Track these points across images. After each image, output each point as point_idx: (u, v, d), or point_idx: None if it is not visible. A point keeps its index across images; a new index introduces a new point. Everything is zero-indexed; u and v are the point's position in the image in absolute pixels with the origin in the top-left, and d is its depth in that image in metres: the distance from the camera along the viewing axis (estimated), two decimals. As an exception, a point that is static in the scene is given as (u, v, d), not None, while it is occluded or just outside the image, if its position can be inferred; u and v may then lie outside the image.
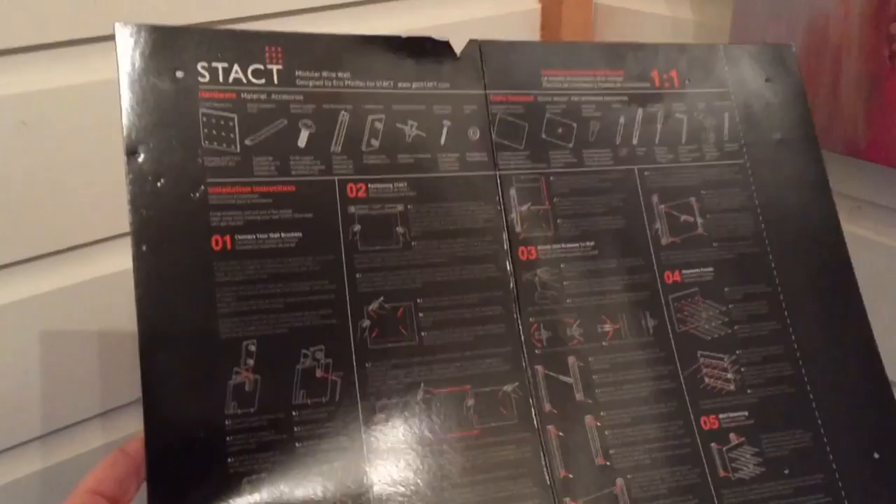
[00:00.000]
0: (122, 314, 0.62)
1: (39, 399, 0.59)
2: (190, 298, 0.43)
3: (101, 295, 0.61)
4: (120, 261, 0.61)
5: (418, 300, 0.47)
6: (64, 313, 0.60)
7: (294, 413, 0.43)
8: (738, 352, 0.52)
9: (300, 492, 0.42)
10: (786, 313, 0.54)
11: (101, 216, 0.60)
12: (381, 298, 0.47)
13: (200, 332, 0.42)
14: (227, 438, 0.42)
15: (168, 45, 0.45)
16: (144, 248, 0.42)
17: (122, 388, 0.64)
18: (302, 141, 0.47)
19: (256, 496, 0.41)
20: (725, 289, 0.54)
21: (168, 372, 0.41)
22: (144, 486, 0.40)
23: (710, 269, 0.54)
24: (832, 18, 0.64)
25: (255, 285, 0.44)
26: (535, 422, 0.47)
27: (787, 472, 0.50)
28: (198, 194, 0.44)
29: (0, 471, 0.60)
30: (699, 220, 0.55)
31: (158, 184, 0.43)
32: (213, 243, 0.44)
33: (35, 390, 0.59)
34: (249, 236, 0.45)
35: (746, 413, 0.51)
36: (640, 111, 0.56)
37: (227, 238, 0.44)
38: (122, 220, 0.58)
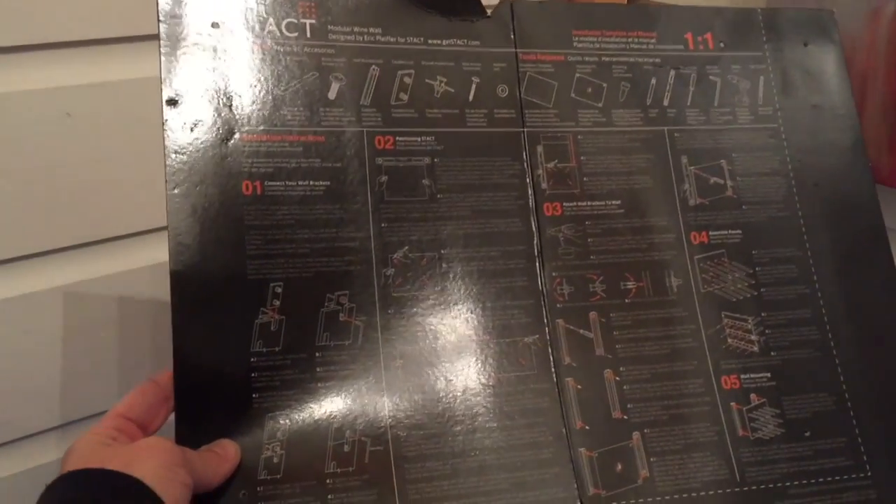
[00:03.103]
0: (148, 308, 0.63)
1: (60, 388, 0.60)
2: (219, 239, 0.44)
3: (130, 287, 0.62)
4: (153, 254, 0.62)
5: (442, 251, 0.48)
6: (91, 303, 0.60)
7: (317, 354, 0.45)
8: (763, 314, 0.52)
9: (321, 429, 0.43)
10: (815, 278, 0.54)
11: (139, 209, 0.60)
12: (406, 248, 0.48)
13: (229, 272, 0.44)
14: (252, 375, 0.43)
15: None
16: (177, 190, 0.44)
17: (143, 380, 0.63)
18: (332, 93, 0.48)
19: (278, 431, 0.43)
20: (753, 251, 0.54)
21: (197, 308, 0.43)
22: (172, 415, 0.42)
23: (739, 231, 0.54)
24: (858, 45, 0.63)
25: (282, 230, 0.46)
26: (553, 374, 0.48)
27: (808, 434, 0.50)
28: (231, 141, 0.46)
29: (19, 458, 0.61)
30: (729, 183, 0.55)
31: (194, 130, 0.45)
32: (244, 188, 0.45)
33: (56, 379, 0.60)
34: (279, 183, 0.46)
35: (769, 374, 0.51)
36: (672, 73, 0.56)
37: (258, 183, 0.46)
38: (156, 214, 0.59)
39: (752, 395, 0.50)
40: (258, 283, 0.44)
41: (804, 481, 0.49)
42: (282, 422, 0.43)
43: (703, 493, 0.47)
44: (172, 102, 0.45)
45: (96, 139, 0.58)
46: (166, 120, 0.45)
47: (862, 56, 0.62)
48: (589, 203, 0.52)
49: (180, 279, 0.43)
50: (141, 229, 0.61)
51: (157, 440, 0.38)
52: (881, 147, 0.62)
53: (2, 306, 0.57)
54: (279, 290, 0.45)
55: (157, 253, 0.61)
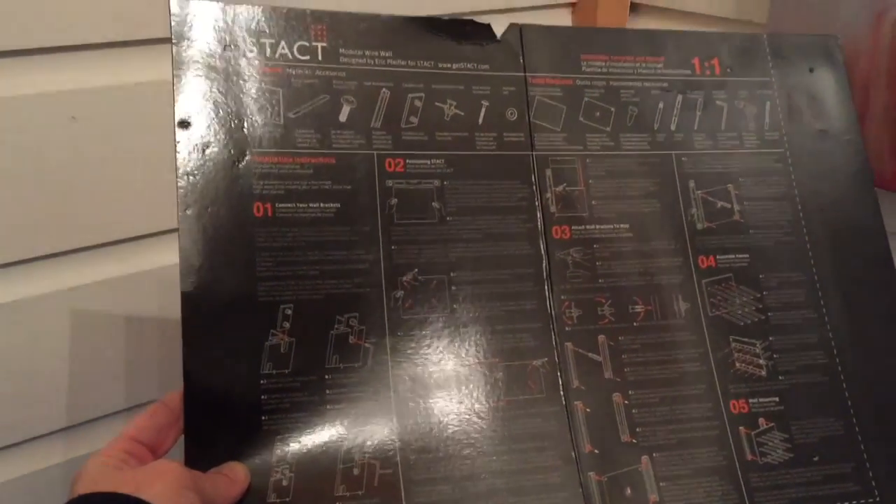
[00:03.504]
0: (154, 311, 0.63)
1: (66, 390, 0.60)
2: (230, 261, 0.44)
3: (136, 291, 0.62)
4: (158, 258, 0.62)
5: (452, 274, 0.48)
6: (97, 307, 0.60)
7: (326, 376, 0.45)
8: (770, 338, 0.52)
9: (329, 452, 0.43)
10: (822, 302, 0.54)
11: (146, 213, 0.60)
12: (416, 270, 0.48)
13: (240, 294, 0.44)
14: (262, 397, 0.43)
15: (219, 21, 0.47)
16: (189, 211, 0.44)
17: (148, 384, 0.64)
18: (343, 115, 0.49)
19: (287, 454, 0.43)
20: (761, 275, 0.54)
21: (208, 330, 0.43)
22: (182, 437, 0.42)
23: (746, 255, 0.54)
24: (862, 51, 0.63)
25: (293, 252, 0.46)
26: (562, 397, 0.48)
27: (816, 458, 0.50)
28: (243, 163, 0.46)
29: (23, 461, 0.61)
30: (736, 207, 0.55)
31: (206, 151, 0.45)
32: (255, 210, 0.45)
33: (63, 382, 0.60)
34: (290, 205, 0.46)
35: (777, 399, 0.51)
36: (679, 97, 0.56)
37: (269, 205, 0.46)
38: (162, 217, 0.60)
39: (761, 420, 0.50)
40: (268, 305, 0.44)
41: None
42: (291, 444, 0.43)
43: None
44: (184, 124, 0.45)
45: (102, 142, 0.58)
46: (178, 142, 0.45)
47: (865, 63, 0.63)
48: (597, 226, 0.52)
49: (191, 301, 0.43)
50: (148, 232, 0.62)
51: (166, 463, 0.38)
52: (883, 152, 0.63)
53: (8, 308, 0.57)
54: (289, 312, 0.45)
55: (165, 256, 0.61)
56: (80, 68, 0.56)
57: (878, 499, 0.49)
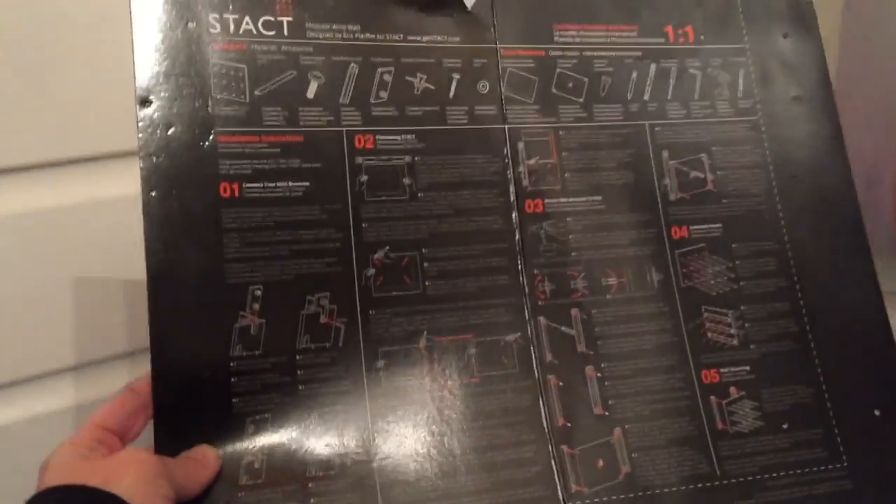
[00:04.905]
0: None
1: (73, 330, 0.58)
2: (197, 243, 0.44)
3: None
4: None
5: (423, 250, 0.48)
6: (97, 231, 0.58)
7: (298, 357, 0.44)
8: (742, 307, 0.53)
9: (302, 433, 0.43)
10: (793, 271, 0.54)
11: None
12: (387, 247, 0.48)
13: (208, 276, 0.44)
14: (232, 379, 0.43)
15: None
16: (154, 193, 0.43)
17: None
18: (311, 92, 0.48)
19: (259, 436, 0.43)
20: (733, 245, 0.54)
21: (175, 313, 0.43)
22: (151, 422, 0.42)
23: (719, 225, 0.54)
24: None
25: (261, 232, 0.45)
26: (535, 371, 0.48)
27: (786, 426, 0.50)
28: (207, 143, 0.45)
29: (33, 399, 0.59)
30: (709, 177, 0.55)
31: (169, 132, 0.44)
32: (222, 190, 0.45)
33: (67, 320, 0.58)
34: (257, 185, 0.46)
35: (748, 368, 0.51)
36: (653, 66, 0.55)
37: (236, 186, 0.45)
38: None
39: (732, 389, 0.51)
40: (237, 286, 0.44)
41: (782, 473, 0.49)
42: (262, 426, 0.43)
43: (683, 488, 0.47)
44: (145, 102, 0.45)
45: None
46: (139, 121, 0.44)
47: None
48: (570, 199, 0.52)
49: (158, 284, 0.43)
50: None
51: (135, 452, 0.38)
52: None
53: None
54: (259, 293, 0.44)
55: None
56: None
57: (845, 464, 0.50)
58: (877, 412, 0.52)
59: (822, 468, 0.50)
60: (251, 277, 0.45)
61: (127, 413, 0.40)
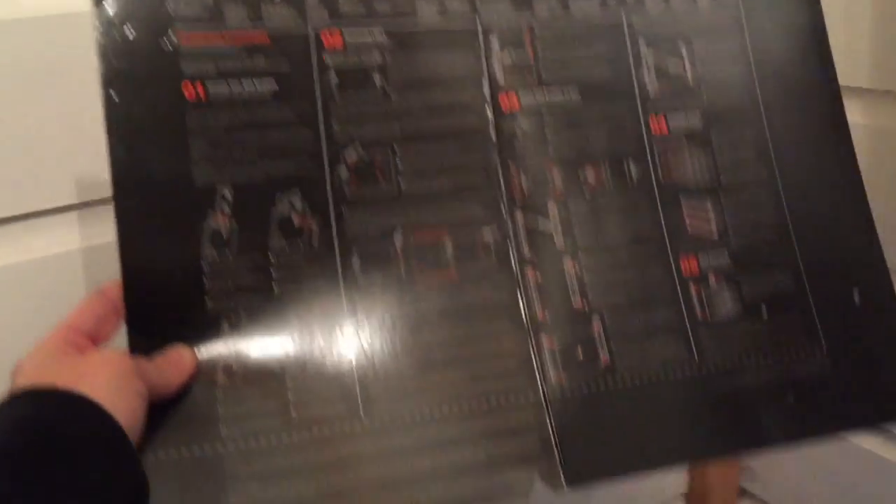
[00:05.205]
0: None
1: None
2: (162, 145, 0.43)
3: None
4: None
5: (396, 149, 0.47)
6: None
7: (272, 258, 0.44)
8: (722, 198, 0.52)
9: (279, 333, 0.43)
10: (773, 161, 0.53)
11: None
12: (359, 147, 0.47)
13: (175, 179, 0.43)
14: (205, 281, 0.43)
15: None
16: (114, 94, 0.42)
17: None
18: None
19: (235, 336, 0.43)
20: (713, 137, 0.53)
21: (142, 216, 0.42)
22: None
23: (698, 116, 0.53)
24: None
25: (228, 133, 0.44)
26: (513, 266, 0.48)
27: (765, 313, 0.51)
28: (167, 41, 0.44)
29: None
30: (688, 68, 0.54)
31: (125, 29, 0.43)
32: (185, 91, 0.44)
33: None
34: (222, 85, 0.44)
35: (728, 256, 0.51)
36: None
37: (199, 86, 0.44)
38: None
39: (711, 278, 0.51)
40: (206, 188, 0.43)
41: (761, 358, 0.49)
42: (238, 326, 0.43)
43: (663, 376, 0.48)
44: (101, 0, 0.43)
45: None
46: (96, 20, 0.43)
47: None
48: (546, 95, 0.51)
49: (122, 187, 0.42)
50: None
51: (108, 352, 0.38)
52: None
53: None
54: (228, 195, 0.44)
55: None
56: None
57: (824, 348, 0.51)
58: (856, 297, 0.52)
59: (802, 352, 0.50)
60: (220, 179, 0.44)
61: (97, 316, 0.40)
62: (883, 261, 0.53)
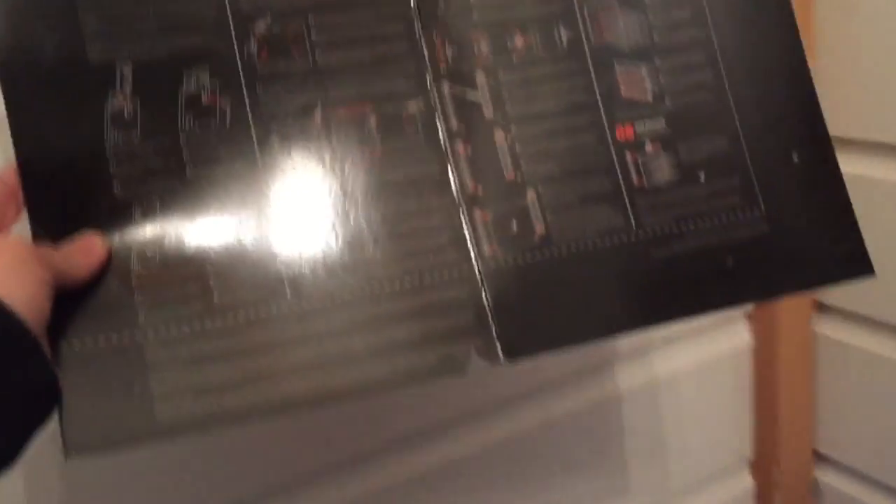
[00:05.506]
0: None
1: None
2: (49, 20, 0.40)
3: None
4: None
5: (309, 19, 0.44)
6: None
7: (182, 139, 0.42)
8: (657, 61, 0.50)
9: (195, 217, 0.41)
10: (709, 20, 0.51)
11: None
12: (268, 18, 0.44)
13: (66, 55, 0.40)
14: (111, 165, 0.40)
15: None
16: None
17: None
18: None
19: (149, 223, 0.40)
20: None
21: (34, 98, 0.39)
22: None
23: None
24: None
25: (122, 4, 0.41)
26: (441, 140, 0.46)
27: (702, 176, 0.49)
28: None
29: None
30: None
31: None
32: None
33: None
34: None
35: (664, 121, 0.50)
36: None
37: None
38: None
39: (647, 144, 0.49)
40: (103, 65, 0.40)
41: (699, 222, 0.49)
42: (151, 212, 0.41)
43: (599, 242, 0.47)
44: None
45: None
46: None
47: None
48: None
49: (7, 65, 0.39)
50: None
51: (5, 238, 0.35)
52: None
53: None
54: (128, 72, 0.41)
55: None
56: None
57: (762, 209, 0.50)
58: (794, 157, 0.51)
59: (740, 214, 0.50)
60: (118, 55, 0.41)
61: None
62: (822, 120, 0.52)
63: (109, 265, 0.39)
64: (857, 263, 0.50)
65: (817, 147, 0.52)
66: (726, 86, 0.51)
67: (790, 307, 0.82)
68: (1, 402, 0.31)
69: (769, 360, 0.82)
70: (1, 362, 0.31)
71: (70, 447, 0.36)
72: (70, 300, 0.38)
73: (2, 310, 0.32)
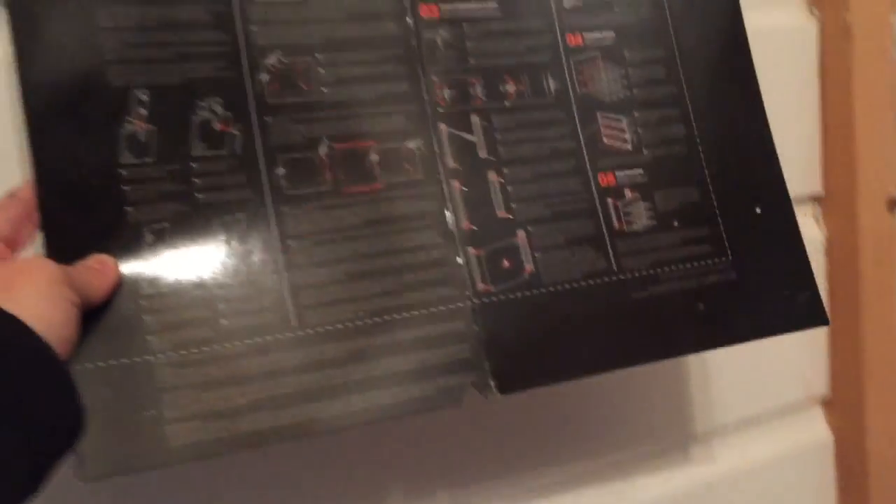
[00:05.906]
0: None
1: None
2: (72, 43, 0.40)
3: None
4: None
5: (318, 56, 0.46)
6: None
7: (193, 165, 0.42)
8: (635, 113, 0.54)
9: (204, 242, 0.42)
10: (682, 77, 0.55)
11: None
12: (279, 52, 0.45)
13: (86, 79, 0.40)
14: (124, 188, 0.40)
15: None
16: None
17: None
18: None
19: (160, 246, 0.41)
20: (625, 53, 0.54)
21: (54, 118, 0.39)
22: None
23: (612, 32, 0.54)
24: None
25: (143, 33, 0.42)
26: (439, 177, 0.48)
27: (676, 224, 0.53)
28: None
29: None
30: None
31: None
32: None
33: None
34: None
35: (641, 170, 0.53)
36: None
37: None
38: None
39: (627, 191, 0.52)
40: (120, 90, 0.41)
41: (673, 267, 0.52)
42: (162, 236, 0.41)
43: (583, 283, 0.49)
44: None
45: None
46: None
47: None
48: (466, 5, 0.50)
49: (31, 85, 0.39)
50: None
51: (35, 260, 0.35)
52: None
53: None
54: (144, 97, 0.41)
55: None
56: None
57: (730, 257, 0.53)
58: (758, 209, 0.55)
59: (710, 261, 0.53)
60: (135, 81, 0.41)
61: (11, 220, 0.37)
62: (781, 177, 0.56)
63: (120, 287, 0.39)
64: (814, 313, 0.54)
65: (777, 201, 0.56)
66: (697, 141, 0.55)
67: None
68: (29, 434, 0.30)
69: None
70: (32, 394, 0.31)
71: (84, 473, 0.36)
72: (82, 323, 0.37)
73: (33, 339, 0.31)
